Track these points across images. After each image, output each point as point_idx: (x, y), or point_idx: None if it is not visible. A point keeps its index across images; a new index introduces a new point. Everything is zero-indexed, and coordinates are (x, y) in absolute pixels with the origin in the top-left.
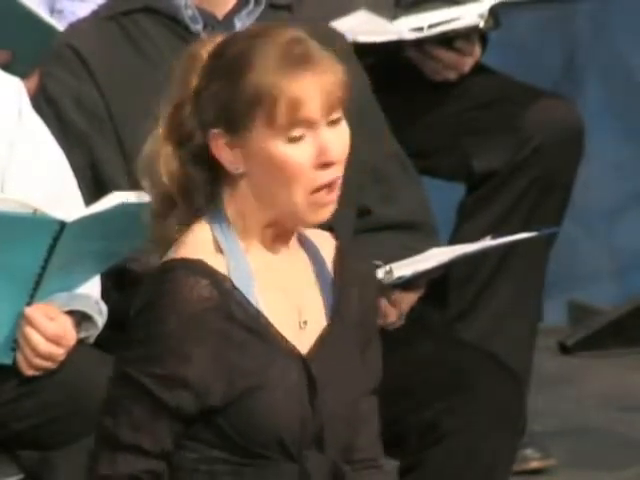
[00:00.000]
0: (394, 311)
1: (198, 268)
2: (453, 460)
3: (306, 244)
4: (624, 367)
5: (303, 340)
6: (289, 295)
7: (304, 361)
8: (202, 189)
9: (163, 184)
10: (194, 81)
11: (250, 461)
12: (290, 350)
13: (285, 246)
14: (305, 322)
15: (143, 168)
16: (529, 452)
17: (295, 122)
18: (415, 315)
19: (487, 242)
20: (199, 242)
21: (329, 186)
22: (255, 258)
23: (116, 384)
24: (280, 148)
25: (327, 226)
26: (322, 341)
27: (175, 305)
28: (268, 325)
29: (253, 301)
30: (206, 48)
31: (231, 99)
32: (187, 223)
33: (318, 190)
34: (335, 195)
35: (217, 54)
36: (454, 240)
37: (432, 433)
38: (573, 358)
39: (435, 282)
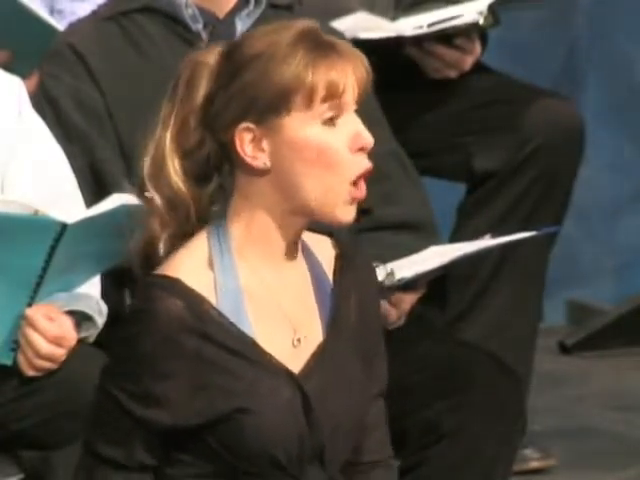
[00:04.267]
0: (394, 311)
1: (175, 288)
2: (453, 460)
3: (307, 253)
4: (624, 367)
5: (298, 358)
6: (285, 311)
7: (295, 379)
8: (205, 203)
9: (169, 191)
10: (203, 88)
11: (248, 477)
12: (280, 369)
13: (289, 255)
14: (299, 340)
15: (149, 173)
16: (529, 452)
17: (332, 105)
18: (415, 315)
19: (487, 241)
20: (192, 256)
21: (362, 178)
22: (252, 272)
23: (98, 396)
24: (316, 131)
25: (327, 231)
26: (317, 357)
27: (150, 326)
28: (254, 345)
29: (242, 320)
30: (212, 54)
31: (263, 89)
32: (189, 231)
33: (358, 179)
34: (364, 191)
35: (233, 53)
36: (454, 240)
37: (432, 433)
38: (573, 358)
39: (435, 282)
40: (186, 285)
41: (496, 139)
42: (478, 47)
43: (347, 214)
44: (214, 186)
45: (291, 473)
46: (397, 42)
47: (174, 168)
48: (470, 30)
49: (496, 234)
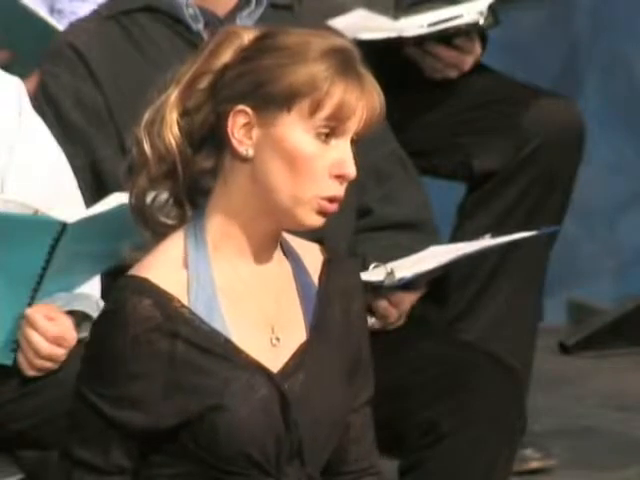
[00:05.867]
0: (394, 311)
1: (143, 287)
2: (453, 460)
3: (293, 257)
4: (624, 367)
5: (277, 357)
6: (262, 310)
7: (272, 377)
8: (193, 170)
9: (160, 142)
10: (226, 55)
11: (226, 476)
12: (255, 366)
13: (268, 256)
14: (278, 339)
15: (147, 121)
16: (529, 452)
17: (332, 125)
18: (415, 315)
19: (487, 241)
20: (165, 254)
21: (333, 199)
22: (228, 269)
23: (74, 400)
24: (306, 140)
25: (318, 237)
26: (297, 357)
27: (119, 326)
28: (228, 343)
29: (216, 317)
30: (248, 33)
31: (276, 78)
32: (177, 201)
33: (324, 199)
34: (336, 207)
35: (266, 37)
36: (454, 240)
37: (432, 433)
38: (573, 358)
39: (435, 282)
40: (154, 284)
41: (496, 139)
42: (478, 47)
43: (313, 221)
44: (204, 160)
45: (269, 472)
46: (397, 42)
47: (170, 121)
48: (470, 30)
49: (496, 234)
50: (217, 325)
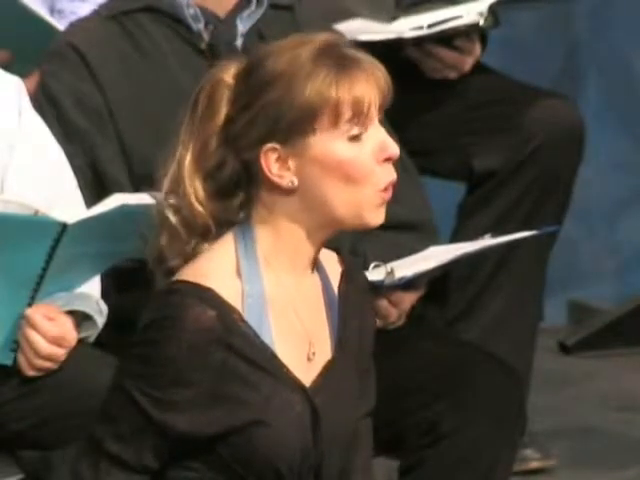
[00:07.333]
0: (394, 311)
1: (207, 297)
2: (453, 460)
3: (319, 267)
4: (624, 367)
5: (310, 371)
6: (303, 324)
7: (307, 393)
8: (229, 215)
9: (187, 211)
10: (224, 108)
11: None
12: (294, 383)
13: (309, 268)
14: (314, 353)
15: (167, 192)
16: (529, 452)
17: (358, 122)
18: (415, 315)
19: (487, 241)
20: (220, 261)
21: (390, 186)
22: (276, 281)
23: (113, 393)
24: (343, 148)
25: (333, 247)
26: (326, 373)
27: (178, 332)
28: (274, 358)
29: (264, 331)
30: (228, 73)
31: (287, 108)
32: (208, 241)
33: (385, 189)
34: (390, 194)
35: (254, 72)
36: (454, 240)
37: (432, 433)
38: (573, 358)
39: (435, 282)
40: (218, 295)
41: (496, 139)
42: (478, 48)
43: (378, 217)
44: (239, 200)
45: None
46: (397, 43)
47: (194, 190)
48: (470, 31)
49: (496, 234)
50: (265, 339)
